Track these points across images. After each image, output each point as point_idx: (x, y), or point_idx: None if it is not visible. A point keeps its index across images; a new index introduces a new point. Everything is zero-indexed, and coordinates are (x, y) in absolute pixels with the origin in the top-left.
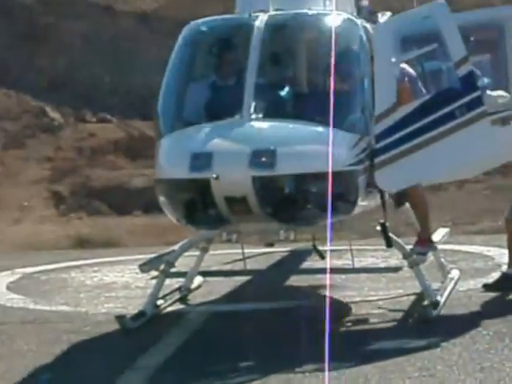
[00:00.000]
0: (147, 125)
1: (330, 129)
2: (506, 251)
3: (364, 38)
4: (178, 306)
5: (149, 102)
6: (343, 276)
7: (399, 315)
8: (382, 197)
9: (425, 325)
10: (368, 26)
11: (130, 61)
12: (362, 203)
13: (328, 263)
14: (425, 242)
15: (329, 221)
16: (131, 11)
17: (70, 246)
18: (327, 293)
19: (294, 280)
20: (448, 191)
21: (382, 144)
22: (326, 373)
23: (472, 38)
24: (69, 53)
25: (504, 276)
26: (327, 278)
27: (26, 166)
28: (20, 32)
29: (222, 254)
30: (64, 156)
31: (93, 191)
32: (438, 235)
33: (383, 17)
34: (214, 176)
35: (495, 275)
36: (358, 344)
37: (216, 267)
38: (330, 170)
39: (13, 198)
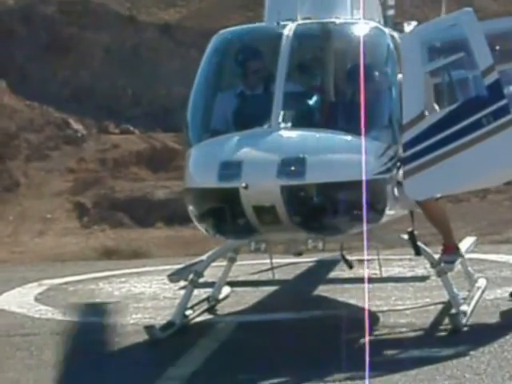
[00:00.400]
0: (169, 136)
1: (362, 137)
2: None
3: (391, 46)
4: (207, 316)
5: (171, 113)
6: (370, 285)
7: (427, 324)
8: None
9: (453, 334)
10: (395, 34)
11: (152, 72)
12: (390, 212)
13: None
14: (451, 250)
15: (364, 229)
16: (154, 22)
17: (95, 257)
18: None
19: (322, 290)
20: (470, 202)
21: (409, 153)
22: (357, 382)
23: (498, 47)
24: (91, 64)
25: None
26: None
27: (49, 177)
28: (42, 43)
29: (248, 265)
30: (87, 167)
31: (115, 203)
32: (465, 244)
33: (409, 26)
34: (244, 185)
35: None
36: (387, 353)
37: (243, 277)
38: (362, 179)
39: (36, 210)
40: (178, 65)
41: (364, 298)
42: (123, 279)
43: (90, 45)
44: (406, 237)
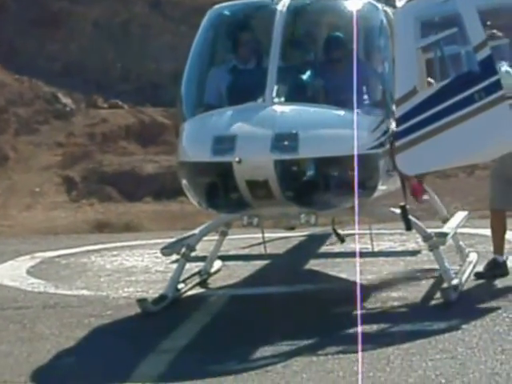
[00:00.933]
0: (158, 111)
1: (355, 112)
2: None
3: (385, 21)
4: (199, 290)
5: (160, 88)
6: (362, 260)
7: (418, 298)
8: (402, 180)
9: (445, 307)
10: (388, 9)
11: (142, 47)
12: (383, 187)
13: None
14: None
15: (356, 204)
16: None
17: (86, 230)
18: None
19: (314, 264)
20: (458, 178)
21: (402, 128)
22: (350, 355)
23: (489, 23)
24: (81, 38)
25: (493, 262)
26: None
27: (38, 151)
28: (31, 17)
29: (239, 239)
30: (75, 142)
31: (104, 177)
32: (457, 218)
33: (401, 1)
34: (237, 159)
35: None
36: (379, 327)
37: (235, 251)
38: (355, 153)
39: (24, 183)
40: (167, 40)
41: (355, 272)
42: (115, 252)
43: (79, 19)
44: (397, 211)
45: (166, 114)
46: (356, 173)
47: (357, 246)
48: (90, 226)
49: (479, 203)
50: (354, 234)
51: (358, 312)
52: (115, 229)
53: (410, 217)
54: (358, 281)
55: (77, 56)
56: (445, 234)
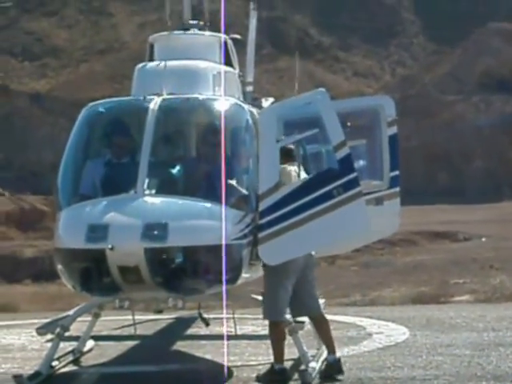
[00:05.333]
0: (38, 199)
1: (221, 205)
2: (376, 321)
3: (250, 121)
4: (72, 368)
5: (41, 177)
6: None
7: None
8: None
9: None
10: (254, 110)
11: (23, 138)
12: (246, 275)
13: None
14: None
15: (223, 289)
16: (25, 91)
17: None
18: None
19: (180, 345)
20: (320, 266)
21: (265, 220)
22: None
23: (349, 124)
24: None
25: (271, 369)
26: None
27: None
28: None
29: (111, 320)
30: None
31: None
32: None
33: (266, 102)
34: (109, 247)
35: (366, 343)
36: None
37: (106, 332)
38: (219, 243)
39: None
40: (47, 132)
41: (219, 354)
42: None
43: None
44: (259, 297)
45: (46, 201)
46: (221, 261)
47: (225, 330)
48: None
49: (339, 291)
50: (219, 318)
51: None
52: None
53: None
54: (225, 362)
55: None
56: (302, 321)
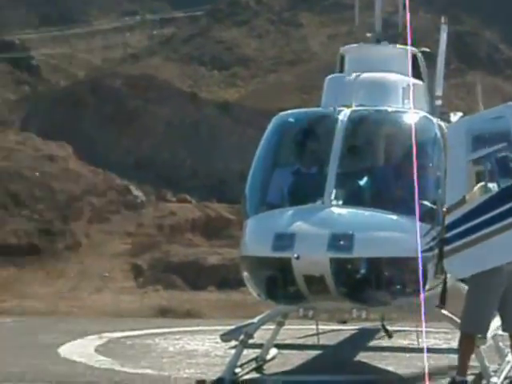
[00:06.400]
0: (224, 207)
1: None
2: None
3: (438, 134)
4: (254, 375)
5: (227, 185)
6: (407, 355)
7: None
8: (445, 284)
9: None
10: (442, 124)
11: (210, 146)
12: (430, 288)
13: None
14: None
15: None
16: (214, 100)
17: (151, 315)
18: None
19: (362, 356)
20: None
21: (451, 234)
22: None
23: None
24: (153, 135)
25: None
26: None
27: (109, 239)
28: (108, 113)
29: (295, 329)
30: (144, 232)
31: (170, 266)
32: (496, 322)
33: (455, 116)
34: (295, 256)
35: None
36: None
37: (290, 340)
38: (405, 256)
39: (96, 268)
40: (235, 141)
41: (401, 366)
42: (178, 336)
43: (152, 117)
44: (445, 312)
45: (231, 209)
46: (406, 273)
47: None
48: (154, 311)
49: None
50: (402, 331)
51: None
52: (177, 315)
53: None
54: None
55: (149, 152)
56: (484, 336)
